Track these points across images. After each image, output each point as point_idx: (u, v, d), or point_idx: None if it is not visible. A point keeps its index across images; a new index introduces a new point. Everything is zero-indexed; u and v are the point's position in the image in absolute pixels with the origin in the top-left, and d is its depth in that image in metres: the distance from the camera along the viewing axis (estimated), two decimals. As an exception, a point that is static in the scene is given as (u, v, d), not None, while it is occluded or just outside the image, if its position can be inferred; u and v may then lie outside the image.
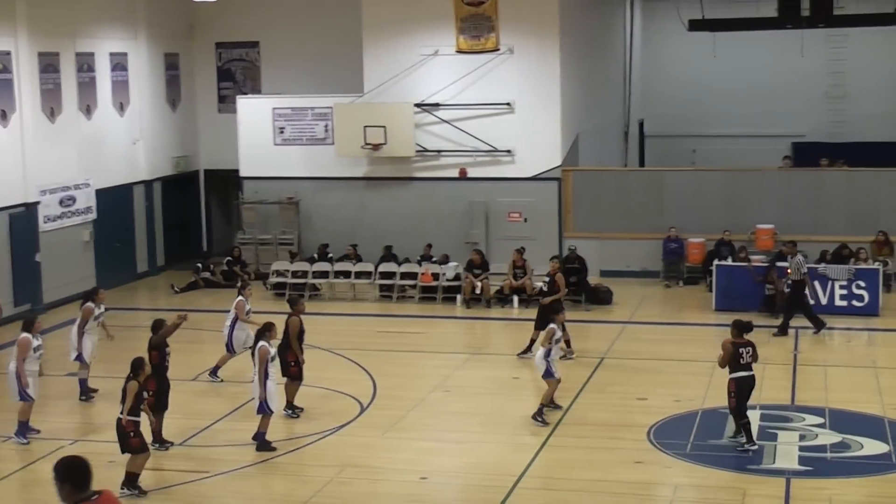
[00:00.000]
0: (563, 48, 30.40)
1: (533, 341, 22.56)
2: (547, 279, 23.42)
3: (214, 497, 16.32)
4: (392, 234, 30.75)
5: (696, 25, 33.30)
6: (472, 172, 30.88)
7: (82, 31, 29.84)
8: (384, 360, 22.93)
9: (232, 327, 21.55)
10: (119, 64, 31.47)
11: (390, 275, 29.11)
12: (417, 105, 30.56)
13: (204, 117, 35.11)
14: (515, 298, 27.75)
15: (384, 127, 30.28)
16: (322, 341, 23.61)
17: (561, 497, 15.94)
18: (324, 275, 29.63)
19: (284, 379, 19.32)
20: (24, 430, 18.39)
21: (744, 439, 17.44)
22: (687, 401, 19.73)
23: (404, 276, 29.07)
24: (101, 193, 30.17)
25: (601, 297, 27.65)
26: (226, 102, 34.62)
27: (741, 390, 17.43)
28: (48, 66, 28.43)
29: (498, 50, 30.39)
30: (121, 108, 31.56)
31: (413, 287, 28.90)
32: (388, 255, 29.92)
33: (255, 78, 34.70)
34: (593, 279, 28.68)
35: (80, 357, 20.51)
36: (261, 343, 17.72)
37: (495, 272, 28.42)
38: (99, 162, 30.37)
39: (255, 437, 17.85)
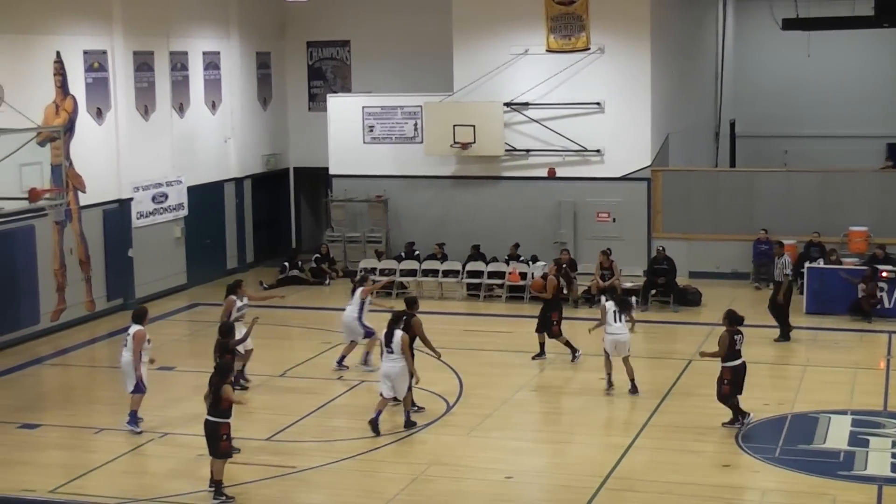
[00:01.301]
0: (654, 47, 30.19)
1: (542, 345, 22.46)
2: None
3: (301, 492, 16.45)
4: (480, 233, 30.74)
5: (789, 24, 32.90)
6: (560, 172, 30.77)
7: (176, 31, 30.23)
8: (471, 359, 22.93)
9: (360, 315, 21.93)
10: (212, 63, 31.83)
11: (478, 274, 29.12)
12: (507, 104, 30.53)
13: (294, 115, 35.39)
14: (603, 299, 27.60)
15: (473, 126, 30.29)
16: (409, 339, 23.64)
17: (647, 499, 15.82)
18: (411, 273, 29.73)
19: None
20: (135, 418, 18.85)
21: (739, 422, 18.21)
22: (776, 404, 19.52)
23: (492, 275, 29.07)
24: (192, 190, 30.54)
25: (689, 299, 27.42)
26: (316, 101, 34.88)
27: (735, 378, 18.14)
28: (143, 64, 28.85)
29: (588, 49, 30.26)
30: (213, 106, 31.91)
31: (500, 286, 28.88)
32: (476, 254, 29.91)
33: (345, 76, 34.90)
34: (682, 280, 28.45)
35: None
36: (401, 331, 18.41)
37: (583, 272, 28.31)
38: (191, 159, 30.75)
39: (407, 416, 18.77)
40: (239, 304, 20.91)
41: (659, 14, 30.53)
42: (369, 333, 21.91)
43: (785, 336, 24.11)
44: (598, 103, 30.24)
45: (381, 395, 18.54)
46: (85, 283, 26.93)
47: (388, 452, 17.79)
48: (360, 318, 21.95)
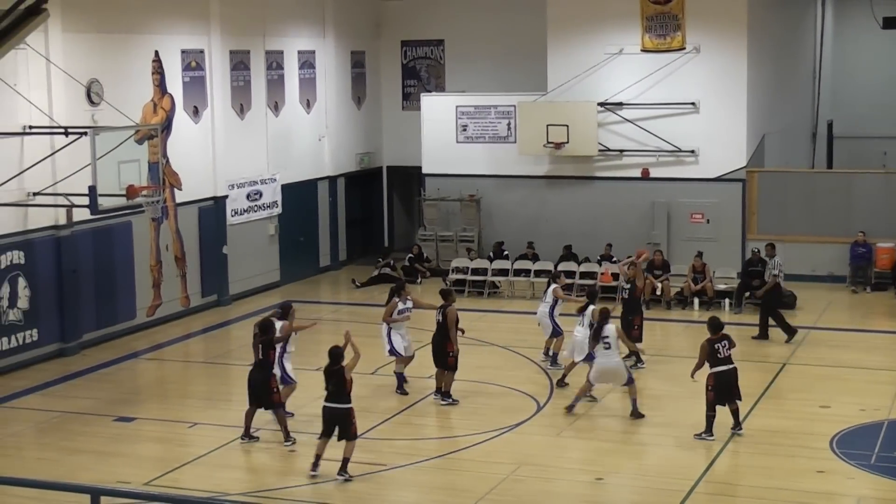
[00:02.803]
0: (750, 47, 29.84)
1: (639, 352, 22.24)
2: (627, 285, 23.05)
3: (392, 489, 16.53)
4: (572, 234, 30.64)
5: (890, 23, 32.35)
6: (654, 172, 30.56)
7: (272, 30, 30.51)
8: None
9: (552, 311, 22.32)
10: (307, 62, 32.08)
11: (570, 274, 29.00)
12: (601, 104, 30.37)
13: (388, 114, 35.54)
14: (696, 301, 27.45)
15: (567, 126, 30.19)
16: (500, 339, 23.67)
17: (739, 504, 15.69)
18: (503, 272, 29.72)
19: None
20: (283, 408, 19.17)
21: (711, 434, 18.06)
22: (872, 410, 19.20)
23: (584, 275, 28.96)
24: (286, 188, 30.81)
25: (785, 302, 27.05)
26: (410, 100, 35.00)
27: (719, 384, 18.05)
28: (239, 63, 29.17)
29: (684, 49, 30.01)
30: (307, 104, 32.16)
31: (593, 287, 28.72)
32: (568, 254, 29.83)
33: (439, 76, 34.99)
34: (777, 283, 28.09)
35: (392, 351, 20.97)
36: (613, 325, 19.33)
37: (676, 273, 28.10)
38: (285, 157, 31.02)
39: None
40: (401, 306, 20.97)
41: (756, 13, 30.18)
42: (556, 332, 22.16)
43: (764, 335, 24.21)
44: (692, 103, 29.98)
45: (588, 380, 19.47)
46: (180, 279, 27.29)
47: (477, 452, 17.79)
48: (551, 315, 22.23)
